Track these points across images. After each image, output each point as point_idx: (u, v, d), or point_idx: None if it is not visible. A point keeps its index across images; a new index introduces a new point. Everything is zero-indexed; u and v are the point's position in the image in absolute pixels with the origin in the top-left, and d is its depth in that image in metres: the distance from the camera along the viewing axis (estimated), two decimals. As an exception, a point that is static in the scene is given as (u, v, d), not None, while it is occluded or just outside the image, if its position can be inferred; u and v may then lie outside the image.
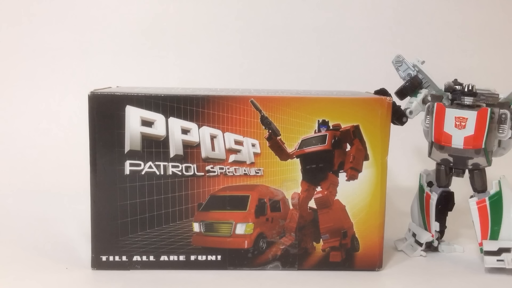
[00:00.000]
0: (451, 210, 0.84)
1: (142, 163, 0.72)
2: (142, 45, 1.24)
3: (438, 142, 0.77)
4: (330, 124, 0.73)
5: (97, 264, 0.74)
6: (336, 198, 0.75)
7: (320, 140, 0.74)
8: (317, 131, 0.73)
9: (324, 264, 0.75)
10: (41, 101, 1.22)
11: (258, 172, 0.74)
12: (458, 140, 0.75)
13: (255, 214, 0.74)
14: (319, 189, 0.75)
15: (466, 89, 0.75)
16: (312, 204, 0.75)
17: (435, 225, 0.82)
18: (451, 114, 0.75)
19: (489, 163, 0.76)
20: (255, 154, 0.73)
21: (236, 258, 0.75)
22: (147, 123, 0.71)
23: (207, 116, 0.72)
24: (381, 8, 1.26)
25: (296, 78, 1.21)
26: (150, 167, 0.72)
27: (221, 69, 1.25)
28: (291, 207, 0.75)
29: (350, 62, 1.25)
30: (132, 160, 0.72)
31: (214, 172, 0.73)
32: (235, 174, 0.73)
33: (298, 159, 0.74)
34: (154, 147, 0.72)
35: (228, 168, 0.73)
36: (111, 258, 0.73)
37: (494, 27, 1.31)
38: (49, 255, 0.78)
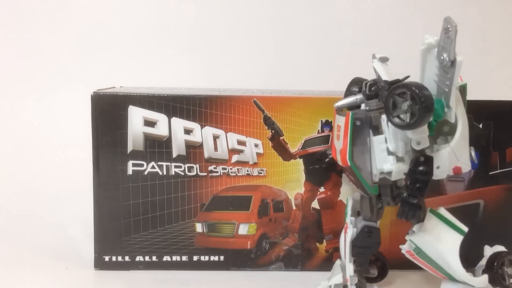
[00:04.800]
0: (374, 251, 0.63)
1: (145, 163, 0.72)
2: (145, 45, 1.24)
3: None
4: (334, 124, 0.73)
5: (100, 264, 0.74)
6: (339, 198, 0.74)
7: (324, 141, 0.73)
8: (320, 132, 0.73)
9: (328, 265, 0.75)
10: (43, 101, 1.22)
11: (261, 173, 0.73)
12: (338, 156, 0.58)
13: (258, 215, 0.74)
14: (322, 189, 0.74)
15: (366, 89, 0.57)
16: (315, 204, 0.75)
17: (349, 267, 0.62)
18: (337, 122, 0.59)
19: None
20: (258, 155, 0.73)
21: (239, 259, 0.74)
22: (149, 123, 0.71)
23: (210, 116, 0.72)
24: (382, 8, 1.25)
25: (299, 78, 1.21)
26: (152, 167, 0.72)
27: (224, 69, 1.24)
28: (294, 207, 0.74)
29: (353, 61, 1.24)
30: (134, 160, 0.72)
31: (217, 172, 0.73)
32: (238, 174, 0.73)
33: (301, 159, 0.73)
34: (157, 147, 0.72)
35: (231, 169, 0.73)
36: (114, 258, 0.73)
37: (493, 27, 1.29)
38: (52, 256, 0.78)
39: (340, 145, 0.57)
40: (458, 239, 0.58)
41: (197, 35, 1.24)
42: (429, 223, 0.58)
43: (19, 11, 1.21)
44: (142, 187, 0.72)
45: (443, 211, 0.59)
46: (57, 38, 1.21)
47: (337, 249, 0.75)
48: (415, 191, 0.54)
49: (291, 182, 0.74)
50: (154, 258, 0.74)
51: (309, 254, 0.75)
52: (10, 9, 1.20)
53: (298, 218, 0.74)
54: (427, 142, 0.53)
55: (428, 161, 0.54)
